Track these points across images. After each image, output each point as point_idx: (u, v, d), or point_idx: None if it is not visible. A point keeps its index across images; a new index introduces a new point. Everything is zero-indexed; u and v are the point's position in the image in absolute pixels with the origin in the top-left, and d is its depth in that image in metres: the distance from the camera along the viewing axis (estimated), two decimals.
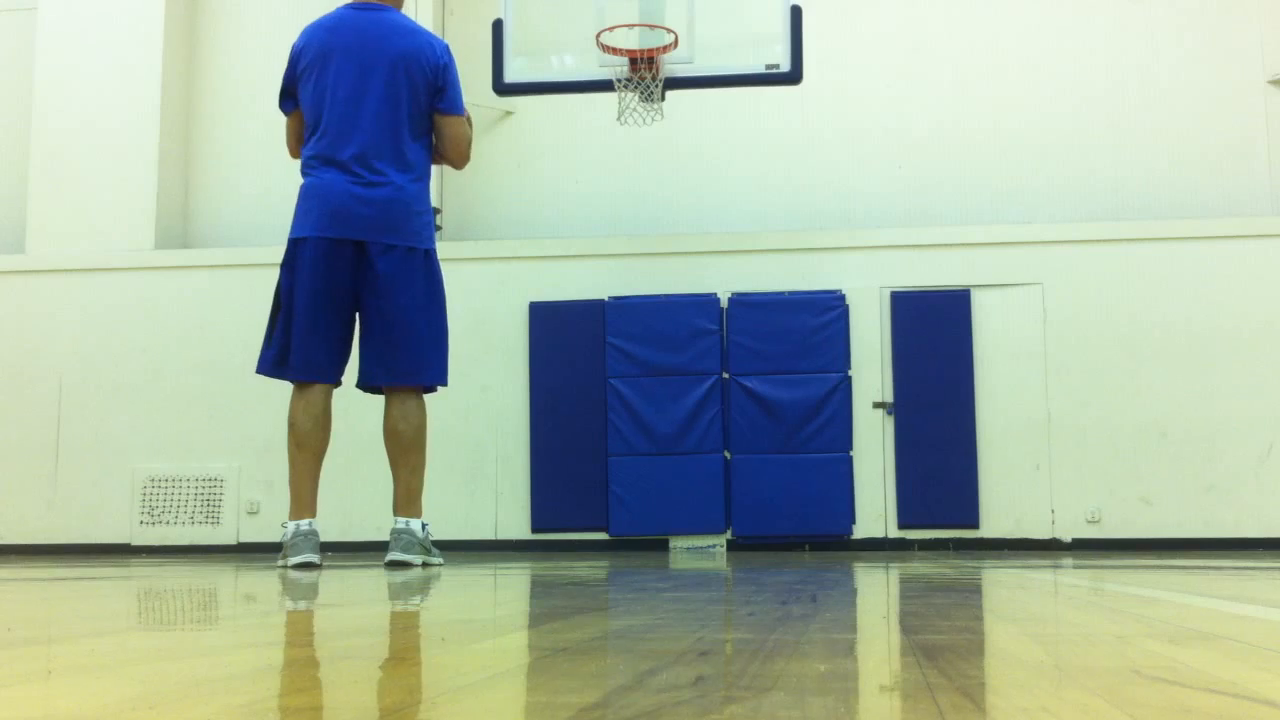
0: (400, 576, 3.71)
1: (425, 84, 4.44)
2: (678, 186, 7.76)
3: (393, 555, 4.35)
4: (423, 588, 3.18)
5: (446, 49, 4.54)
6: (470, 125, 4.66)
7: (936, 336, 7.11)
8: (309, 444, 4.42)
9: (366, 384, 4.55)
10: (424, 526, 4.45)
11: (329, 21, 4.53)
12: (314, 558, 4.28)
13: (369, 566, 4.54)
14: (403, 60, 4.40)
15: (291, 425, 4.45)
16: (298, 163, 4.62)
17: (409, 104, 4.42)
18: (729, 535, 7.06)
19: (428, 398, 4.58)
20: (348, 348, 4.49)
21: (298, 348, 4.38)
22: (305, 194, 4.45)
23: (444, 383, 4.57)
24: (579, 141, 7.86)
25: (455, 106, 4.53)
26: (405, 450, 4.43)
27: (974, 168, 7.60)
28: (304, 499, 4.40)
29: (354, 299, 4.42)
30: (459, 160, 4.63)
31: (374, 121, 4.37)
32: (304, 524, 4.35)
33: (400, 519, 4.41)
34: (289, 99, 4.57)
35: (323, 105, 4.41)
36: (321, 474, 4.52)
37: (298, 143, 4.58)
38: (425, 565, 4.35)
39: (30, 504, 7.45)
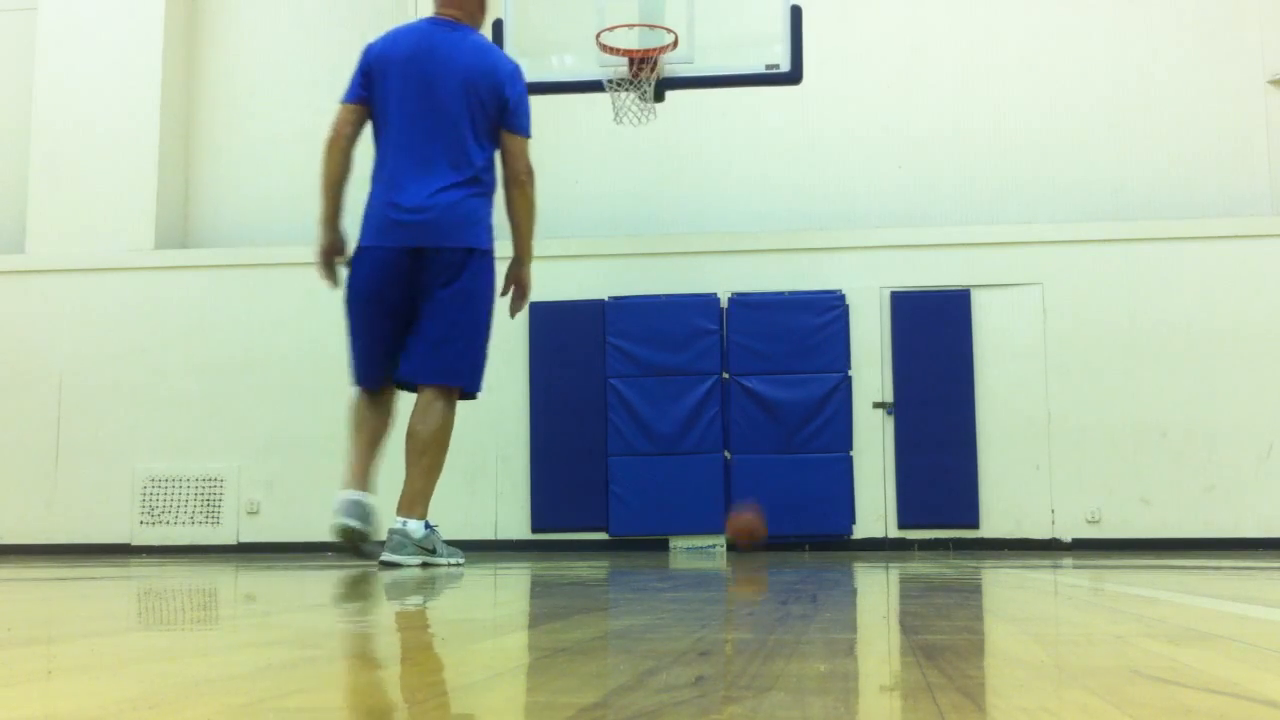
0: (391, 576, 3.71)
1: (492, 100, 4.49)
2: (678, 186, 7.76)
3: (383, 555, 4.34)
4: (423, 588, 3.18)
5: (516, 70, 4.60)
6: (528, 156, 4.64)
7: (936, 336, 7.11)
8: (366, 426, 4.50)
9: (399, 380, 4.58)
10: (429, 527, 4.41)
11: (411, 35, 4.57)
12: (350, 521, 4.27)
13: (369, 566, 4.54)
14: (471, 77, 4.45)
15: (352, 408, 4.56)
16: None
17: (474, 120, 4.47)
18: (729, 535, 7.05)
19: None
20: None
21: (358, 359, 4.52)
22: (367, 204, 4.51)
23: (472, 389, 4.57)
24: (579, 141, 7.86)
25: (518, 126, 4.55)
26: (419, 452, 4.40)
27: (974, 168, 7.60)
28: (353, 471, 4.41)
29: (410, 306, 4.46)
30: (517, 178, 4.56)
31: (438, 136, 4.43)
32: (347, 492, 4.35)
33: (399, 519, 4.39)
34: (355, 90, 4.55)
35: (391, 117, 4.46)
36: (370, 469, 4.49)
37: (336, 136, 4.52)
38: (426, 566, 4.32)
39: (30, 504, 7.46)
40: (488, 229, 4.52)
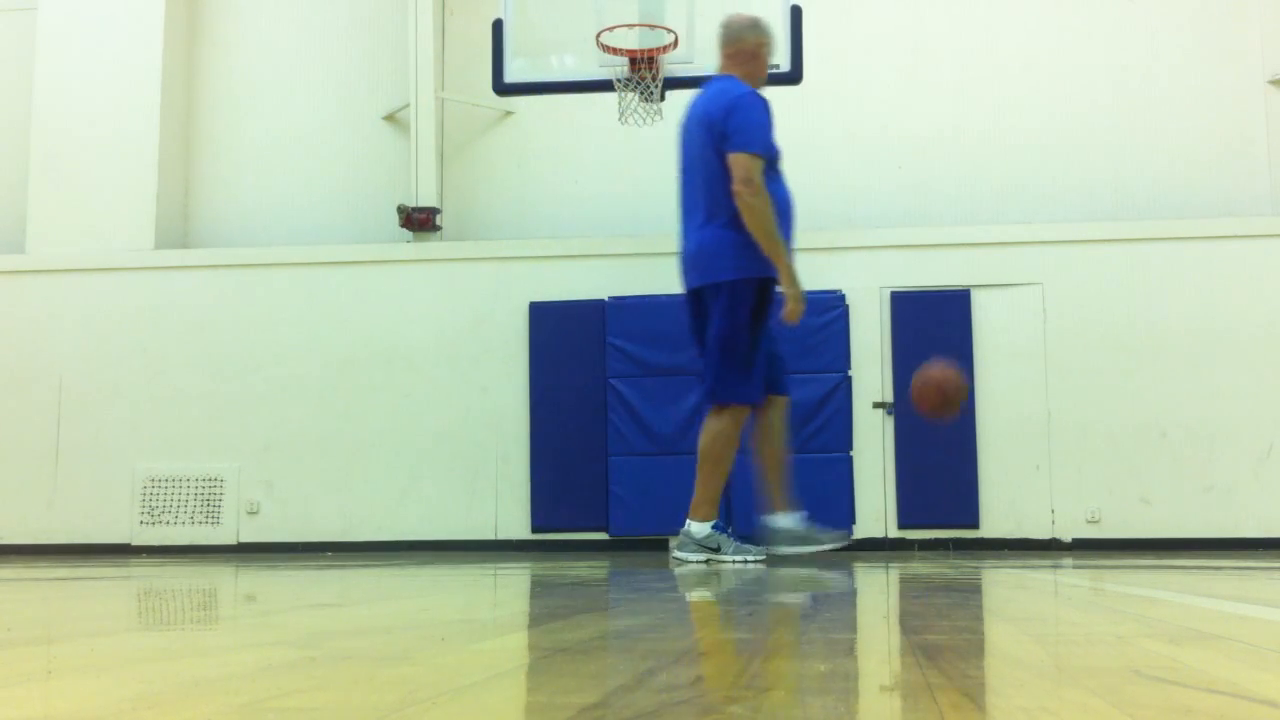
0: (396, 575, 3.71)
1: (720, 136, 4.76)
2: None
3: (673, 553, 4.89)
4: (423, 587, 3.18)
5: (736, 99, 4.79)
6: (751, 168, 4.71)
7: (936, 336, 7.10)
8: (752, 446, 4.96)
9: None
10: (718, 528, 4.82)
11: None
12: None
13: (369, 566, 4.54)
14: (705, 120, 4.82)
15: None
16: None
17: (713, 158, 4.78)
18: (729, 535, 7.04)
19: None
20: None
21: None
22: None
23: (726, 400, 4.83)
24: (579, 142, 7.86)
25: (729, 145, 4.74)
26: (700, 460, 4.87)
27: (974, 168, 7.59)
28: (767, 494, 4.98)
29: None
30: (737, 195, 4.69)
31: (690, 183, 4.96)
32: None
33: (688, 520, 4.84)
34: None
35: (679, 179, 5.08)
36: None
37: None
38: (710, 563, 4.68)
39: (30, 504, 7.45)
40: (731, 260, 4.80)
